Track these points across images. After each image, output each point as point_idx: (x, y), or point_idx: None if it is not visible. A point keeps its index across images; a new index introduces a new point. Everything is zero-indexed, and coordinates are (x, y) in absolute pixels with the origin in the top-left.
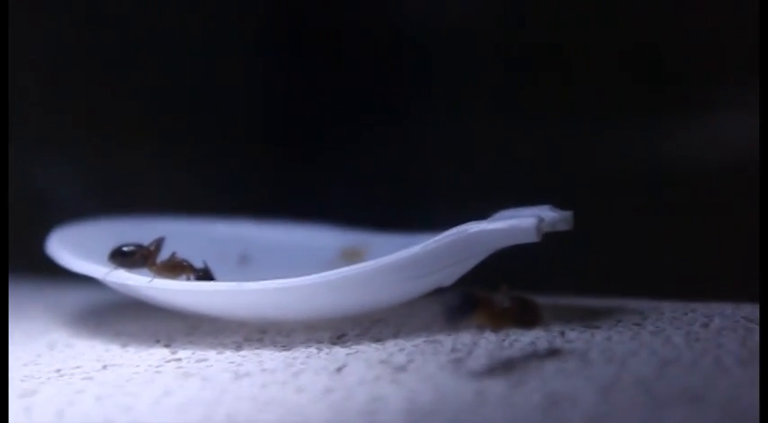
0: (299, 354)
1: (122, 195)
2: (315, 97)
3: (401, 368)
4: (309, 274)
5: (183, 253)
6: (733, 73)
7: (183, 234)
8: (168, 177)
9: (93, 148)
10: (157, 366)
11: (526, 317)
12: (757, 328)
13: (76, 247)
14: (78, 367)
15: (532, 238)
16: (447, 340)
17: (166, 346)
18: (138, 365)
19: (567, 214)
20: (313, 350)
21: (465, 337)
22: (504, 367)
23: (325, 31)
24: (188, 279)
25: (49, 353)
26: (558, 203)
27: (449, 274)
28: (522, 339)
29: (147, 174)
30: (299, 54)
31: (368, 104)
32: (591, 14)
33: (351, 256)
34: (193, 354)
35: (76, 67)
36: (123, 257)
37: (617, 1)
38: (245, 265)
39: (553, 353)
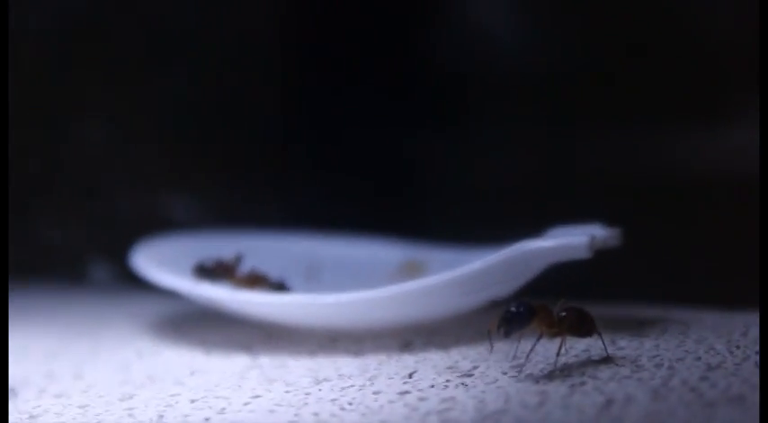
0: (371, 360)
1: (196, 211)
2: (374, 116)
3: (467, 373)
4: (373, 287)
5: (260, 269)
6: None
7: (254, 248)
8: (237, 193)
9: (170, 166)
10: (241, 372)
11: (582, 327)
12: None
13: (158, 262)
14: (168, 373)
15: (585, 254)
16: (507, 348)
17: (247, 353)
18: (223, 371)
19: (616, 232)
20: (383, 357)
21: (524, 345)
22: (562, 372)
23: (372, 52)
24: (265, 291)
25: (138, 360)
26: (606, 216)
27: (506, 287)
28: (577, 346)
29: (218, 190)
30: (355, 75)
31: (425, 122)
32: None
33: (411, 270)
34: (272, 360)
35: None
36: (206, 272)
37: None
38: (312, 278)
39: (606, 359)
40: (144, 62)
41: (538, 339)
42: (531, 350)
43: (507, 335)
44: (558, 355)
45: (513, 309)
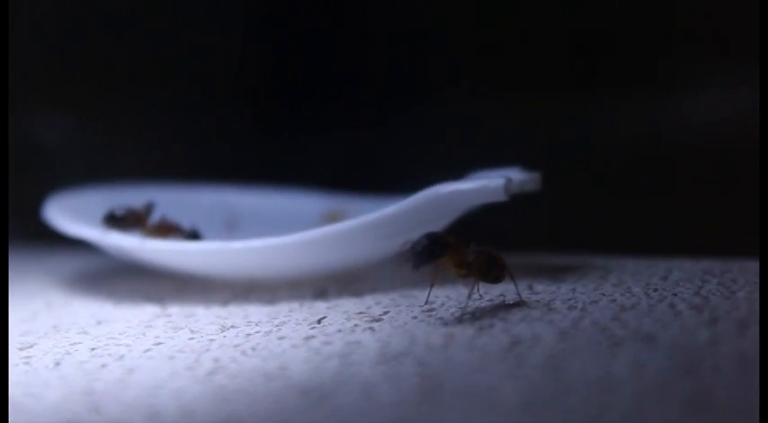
0: (283, 308)
1: (111, 164)
2: (296, 65)
3: (377, 318)
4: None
5: (172, 219)
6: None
7: (170, 201)
8: (154, 145)
9: (83, 117)
10: (149, 321)
11: (492, 271)
12: (713, 279)
13: (70, 213)
14: (74, 323)
15: (501, 197)
16: (421, 294)
17: (157, 303)
18: (130, 320)
19: (535, 175)
20: (295, 305)
21: (437, 291)
22: (472, 315)
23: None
24: (177, 240)
25: (46, 311)
26: (527, 166)
27: (423, 232)
28: (492, 292)
29: (135, 141)
30: (286, 22)
31: (347, 73)
32: None
33: (331, 220)
34: (183, 310)
35: (71, 36)
36: (116, 221)
37: None
38: (231, 231)
39: (520, 303)
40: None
41: (473, 285)
42: (470, 296)
43: (415, 268)
44: (468, 297)
45: (424, 241)
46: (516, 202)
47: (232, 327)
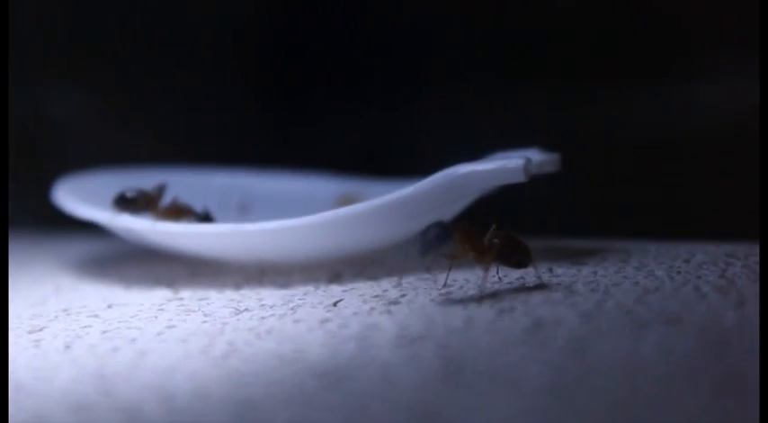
0: (297, 291)
1: (123, 148)
2: (309, 47)
3: (394, 301)
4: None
5: (184, 201)
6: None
7: (183, 184)
8: (167, 127)
9: (93, 98)
10: (160, 305)
11: (514, 256)
12: (738, 262)
13: (81, 196)
14: (84, 307)
15: (520, 178)
16: (439, 277)
17: (169, 287)
18: (141, 304)
19: (555, 156)
20: (310, 288)
21: (456, 274)
22: (492, 298)
23: None
24: (189, 223)
25: (55, 295)
26: (546, 147)
27: (441, 215)
28: (512, 275)
29: (147, 124)
30: (304, 4)
31: (361, 55)
32: None
33: (346, 203)
34: (195, 293)
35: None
36: (127, 203)
37: None
38: (245, 214)
39: (540, 286)
40: None
41: (489, 267)
42: (485, 278)
43: (422, 254)
44: (484, 279)
45: (428, 228)
46: (533, 185)
47: (246, 310)
